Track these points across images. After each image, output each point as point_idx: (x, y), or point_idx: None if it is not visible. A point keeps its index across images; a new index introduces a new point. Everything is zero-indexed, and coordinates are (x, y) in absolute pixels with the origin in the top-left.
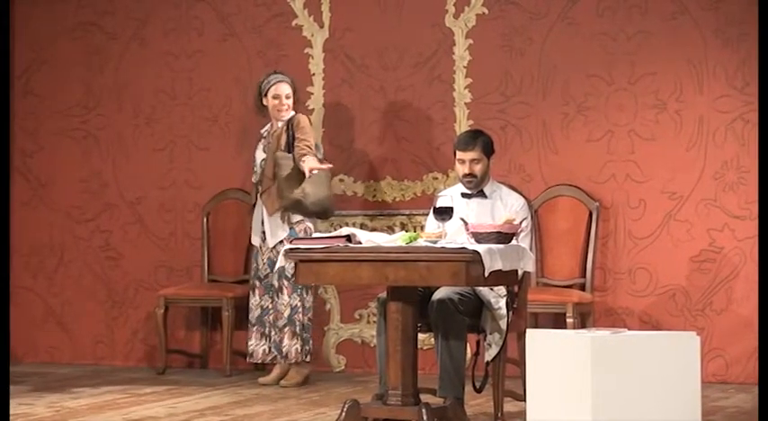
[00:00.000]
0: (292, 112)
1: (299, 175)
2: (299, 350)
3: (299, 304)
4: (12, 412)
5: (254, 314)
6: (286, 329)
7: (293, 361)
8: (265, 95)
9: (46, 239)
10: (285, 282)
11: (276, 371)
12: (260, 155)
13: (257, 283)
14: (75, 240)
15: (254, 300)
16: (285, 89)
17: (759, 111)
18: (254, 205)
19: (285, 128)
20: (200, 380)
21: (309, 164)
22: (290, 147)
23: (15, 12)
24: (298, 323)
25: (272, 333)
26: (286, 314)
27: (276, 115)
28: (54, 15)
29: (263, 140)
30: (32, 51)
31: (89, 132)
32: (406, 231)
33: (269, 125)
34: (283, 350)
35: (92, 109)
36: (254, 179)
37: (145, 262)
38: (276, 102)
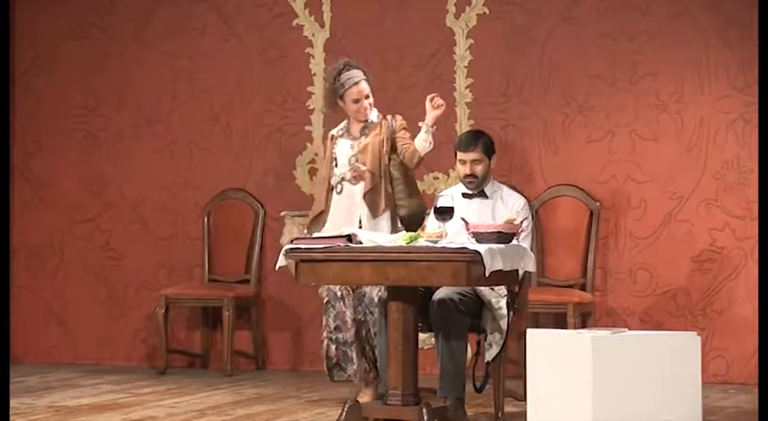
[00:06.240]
0: (375, 110)
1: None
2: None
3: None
4: (12, 412)
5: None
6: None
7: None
8: (341, 98)
9: (47, 239)
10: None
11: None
12: (348, 151)
13: (343, 292)
14: (75, 240)
15: (337, 312)
16: (365, 89)
17: (759, 112)
18: (331, 201)
19: (387, 130)
20: (200, 380)
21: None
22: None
23: (16, 12)
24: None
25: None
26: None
27: (358, 117)
28: (55, 16)
29: (343, 138)
30: (33, 51)
31: (90, 132)
32: (407, 231)
33: (344, 123)
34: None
35: (92, 109)
36: (340, 174)
37: (145, 262)
38: (357, 105)
